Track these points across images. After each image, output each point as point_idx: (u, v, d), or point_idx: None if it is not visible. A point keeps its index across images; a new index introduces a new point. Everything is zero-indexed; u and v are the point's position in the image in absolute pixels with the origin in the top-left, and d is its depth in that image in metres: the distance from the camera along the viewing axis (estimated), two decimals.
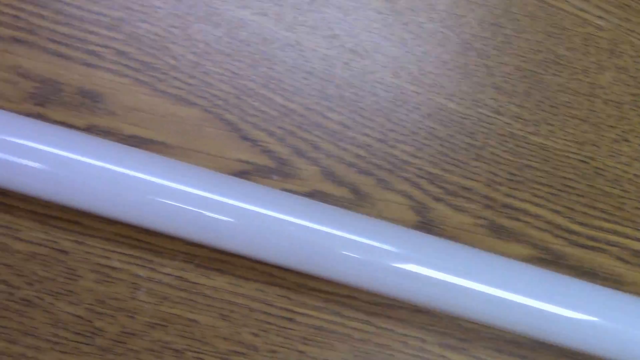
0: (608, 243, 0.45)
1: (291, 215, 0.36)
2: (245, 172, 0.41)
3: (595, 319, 0.39)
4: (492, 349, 0.42)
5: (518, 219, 0.44)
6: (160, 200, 0.35)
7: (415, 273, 0.38)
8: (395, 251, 0.38)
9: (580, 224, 0.44)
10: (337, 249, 0.37)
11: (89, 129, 0.39)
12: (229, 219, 0.35)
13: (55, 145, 0.35)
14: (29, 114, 0.39)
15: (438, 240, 0.40)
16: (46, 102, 0.39)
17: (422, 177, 0.43)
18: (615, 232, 0.45)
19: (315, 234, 0.37)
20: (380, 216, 0.42)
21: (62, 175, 0.35)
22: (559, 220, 0.44)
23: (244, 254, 0.36)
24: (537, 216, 0.44)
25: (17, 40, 0.39)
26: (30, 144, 0.35)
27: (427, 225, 0.42)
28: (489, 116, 0.44)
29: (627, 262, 0.45)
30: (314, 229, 0.36)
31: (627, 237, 0.45)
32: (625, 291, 0.42)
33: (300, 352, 0.40)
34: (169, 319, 0.38)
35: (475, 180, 0.43)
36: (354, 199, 0.42)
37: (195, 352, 0.39)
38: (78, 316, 0.37)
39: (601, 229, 0.45)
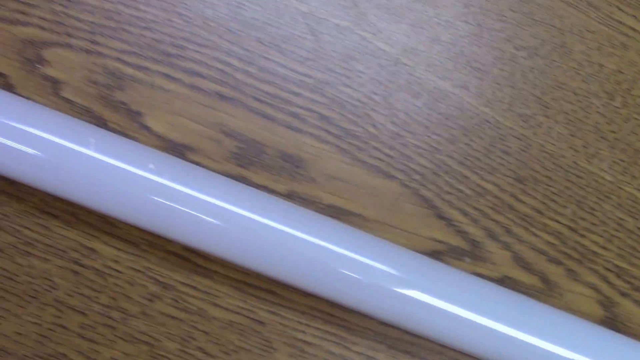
0: None
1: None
2: (439, 252, 0.43)
3: None
4: None
5: None
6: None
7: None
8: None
9: None
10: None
11: (289, 195, 0.41)
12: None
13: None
14: (230, 175, 0.41)
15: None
16: (248, 164, 0.41)
17: (609, 270, 0.45)
18: None
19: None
20: (568, 308, 0.44)
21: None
22: None
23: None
24: None
25: (222, 97, 0.41)
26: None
27: (612, 320, 0.45)
28: None
29: None
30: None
31: None
32: None
33: None
34: None
35: None
36: (543, 289, 0.44)
37: None
38: None
39: None
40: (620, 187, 0.45)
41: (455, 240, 0.42)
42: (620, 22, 0.46)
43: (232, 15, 0.41)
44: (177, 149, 0.40)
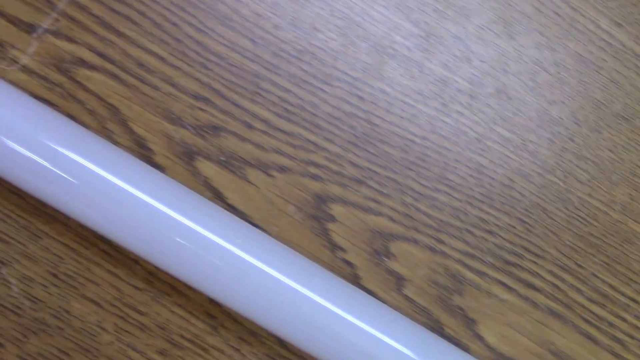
0: None
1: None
2: None
3: None
4: None
5: None
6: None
7: None
8: None
9: None
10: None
11: None
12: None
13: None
14: None
15: None
16: None
17: None
18: None
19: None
20: None
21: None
22: None
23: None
24: None
25: (552, 313, 0.41)
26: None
27: None
28: None
29: None
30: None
31: None
32: None
33: None
34: None
35: None
36: None
37: None
38: None
39: None
40: None
41: None
42: None
43: (568, 226, 0.41)
44: None
